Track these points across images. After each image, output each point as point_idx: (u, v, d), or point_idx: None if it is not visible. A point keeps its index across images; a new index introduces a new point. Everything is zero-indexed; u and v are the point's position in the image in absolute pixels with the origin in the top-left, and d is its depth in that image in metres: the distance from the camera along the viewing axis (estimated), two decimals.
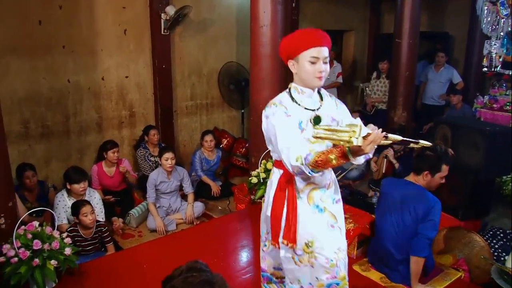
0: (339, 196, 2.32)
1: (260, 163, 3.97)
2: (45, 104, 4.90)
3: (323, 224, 2.19)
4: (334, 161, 1.88)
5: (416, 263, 2.87)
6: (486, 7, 4.86)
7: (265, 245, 2.43)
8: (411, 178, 3.03)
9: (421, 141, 2.00)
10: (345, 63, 8.59)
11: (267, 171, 4.02)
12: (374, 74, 6.98)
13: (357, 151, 1.82)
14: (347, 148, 1.83)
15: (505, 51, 4.96)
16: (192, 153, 5.63)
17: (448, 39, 7.79)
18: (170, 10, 5.44)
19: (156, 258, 3.30)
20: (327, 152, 1.91)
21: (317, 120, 2.15)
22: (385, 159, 5.15)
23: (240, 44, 6.56)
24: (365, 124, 1.80)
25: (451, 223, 3.68)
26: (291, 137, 2.03)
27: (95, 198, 4.18)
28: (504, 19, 4.78)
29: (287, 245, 2.17)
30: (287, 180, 2.17)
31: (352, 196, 5.12)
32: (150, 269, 3.16)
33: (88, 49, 5.13)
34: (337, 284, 2.21)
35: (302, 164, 1.93)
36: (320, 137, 1.85)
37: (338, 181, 2.39)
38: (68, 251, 2.83)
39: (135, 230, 4.61)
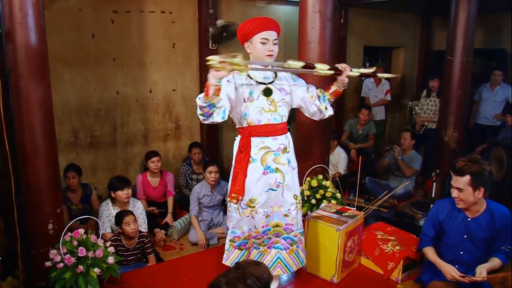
0: (295, 166, 2.80)
1: (305, 180, 3.89)
2: (94, 115, 5.03)
3: (269, 183, 2.66)
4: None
5: None
6: None
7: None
8: None
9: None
10: (394, 81, 8.39)
11: (312, 189, 3.94)
12: (424, 92, 6.78)
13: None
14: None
15: None
16: None
17: (505, 56, 7.45)
18: (220, 23, 5.51)
19: (197, 271, 3.27)
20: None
21: (267, 92, 2.64)
22: (434, 182, 4.95)
23: (287, 59, 6.51)
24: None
25: None
26: None
27: (138, 208, 4.22)
28: None
29: (238, 197, 2.64)
30: (243, 144, 2.67)
31: (398, 217, 4.93)
32: (190, 282, 3.13)
33: (137, 62, 5.25)
34: (269, 230, 2.75)
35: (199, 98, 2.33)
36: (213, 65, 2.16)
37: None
38: (111, 260, 2.85)
39: (176, 243, 4.62)
